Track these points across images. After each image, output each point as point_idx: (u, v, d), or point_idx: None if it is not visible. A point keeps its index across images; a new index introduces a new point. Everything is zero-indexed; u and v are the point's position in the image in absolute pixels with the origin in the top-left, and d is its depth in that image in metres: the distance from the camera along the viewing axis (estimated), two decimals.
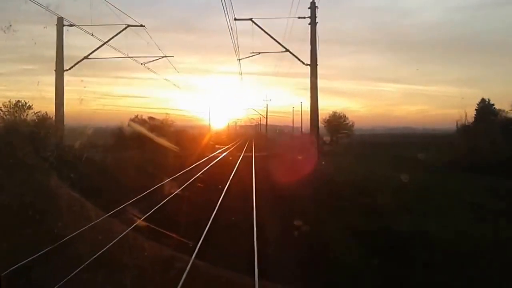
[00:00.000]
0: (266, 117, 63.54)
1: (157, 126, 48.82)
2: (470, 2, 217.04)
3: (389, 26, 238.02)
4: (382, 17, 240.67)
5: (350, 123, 69.67)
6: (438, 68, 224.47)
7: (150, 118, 49.80)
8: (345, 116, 69.92)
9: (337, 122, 68.85)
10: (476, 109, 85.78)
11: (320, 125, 74.83)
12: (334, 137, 69.52)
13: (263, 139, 72.21)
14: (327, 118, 69.44)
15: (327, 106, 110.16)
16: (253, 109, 66.72)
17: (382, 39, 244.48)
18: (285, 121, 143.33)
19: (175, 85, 38.06)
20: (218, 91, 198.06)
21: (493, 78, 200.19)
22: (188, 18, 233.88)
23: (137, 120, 46.27)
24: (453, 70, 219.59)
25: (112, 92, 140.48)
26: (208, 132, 62.17)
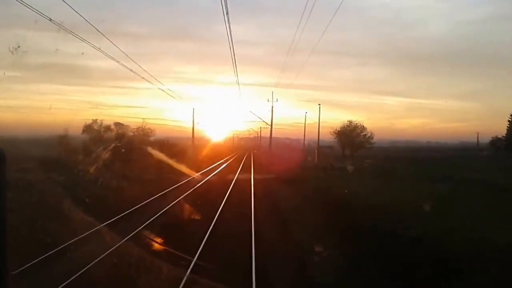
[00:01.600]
0: (271, 123, 48.45)
1: (124, 135, 37.24)
2: (476, 15, 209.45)
3: (393, 39, 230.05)
4: (386, 30, 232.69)
5: (369, 134, 57.47)
6: (442, 82, 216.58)
7: (117, 124, 38.05)
8: (363, 126, 57.71)
9: (353, 134, 56.90)
10: (509, 121, 76.09)
11: (330, 137, 62.76)
12: (347, 151, 57.57)
13: (265, 153, 58.61)
14: (338, 129, 57.37)
15: (329, 118, 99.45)
16: (254, 114, 51.91)
17: (386, 52, 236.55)
18: (287, 133, 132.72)
19: (169, 95, 33.81)
20: (216, 102, 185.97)
21: (498, 92, 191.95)
22: (187, 26, 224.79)
23: (96, 126, 34.61)
24: (457, 83, 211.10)
25: (106, 102, 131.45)
26: (192, 145, 48.98)
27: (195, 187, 20.36)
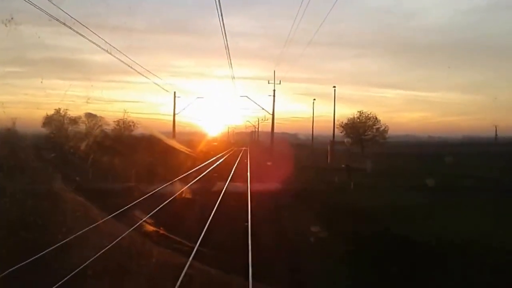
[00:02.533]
0: (273, 112, 39.77)
1: (98, 129, 30.46)
2: (479, 4, 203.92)
3: (393, 29, 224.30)
4: (386, 19, 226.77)
5: (383, 127, 50.42)
6: (442, 74, 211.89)
7: (89, 115, 30.95)
8: (376, 117, 50.63)
9: (365, 127, 50.08)
10: None
11: (336, 130, 55.24)
12: (358, 148, 50.90)
13: (266, 152, 47.96)
14: (344, 122, 50.41)
15: (326, 112, 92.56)
16: (251, 100, 42.89)
17: (385, 42, 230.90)
18: (283, 128, 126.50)
19: (163, 88, 33.32)
20: (211, 95, 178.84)
21: (501, 85, 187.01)
22: (182, 19, 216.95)
23: (58, 117, 27.44)
24: (457, 75, 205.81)
25: (103, 97, 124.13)
26: (173, 139, 39.56)
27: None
